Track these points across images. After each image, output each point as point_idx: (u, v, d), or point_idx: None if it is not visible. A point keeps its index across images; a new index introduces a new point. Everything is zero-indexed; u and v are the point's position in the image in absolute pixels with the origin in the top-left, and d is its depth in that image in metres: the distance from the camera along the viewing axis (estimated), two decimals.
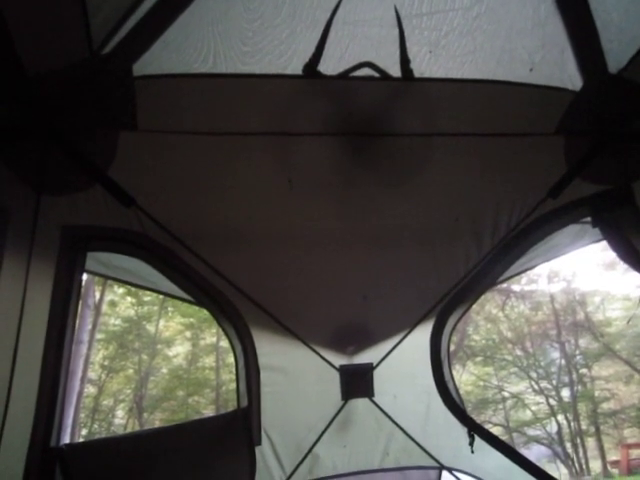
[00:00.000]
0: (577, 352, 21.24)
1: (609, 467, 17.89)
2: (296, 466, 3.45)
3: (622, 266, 18.21)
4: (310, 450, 3.46)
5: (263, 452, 3.24)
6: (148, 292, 17.02)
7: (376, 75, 2.45)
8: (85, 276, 2.79)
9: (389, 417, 3.53)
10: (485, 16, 2.31)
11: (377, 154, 2.81)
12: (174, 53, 2.28)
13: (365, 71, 2.43)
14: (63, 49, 2.03)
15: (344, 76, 2.43)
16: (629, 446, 16.62)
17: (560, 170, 2.87)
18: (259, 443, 3.16)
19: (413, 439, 3.63)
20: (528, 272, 19.43)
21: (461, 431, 3.35)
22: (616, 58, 2.46)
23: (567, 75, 2.56)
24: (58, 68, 2.07)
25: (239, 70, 2.37)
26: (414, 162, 2.85)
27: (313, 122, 2.63)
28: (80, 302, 2.59)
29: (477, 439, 3.22)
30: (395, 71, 2.44)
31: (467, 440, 3.21)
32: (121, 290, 17.67)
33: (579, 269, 24.39)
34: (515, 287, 21.32)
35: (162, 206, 2.66)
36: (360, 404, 3.48)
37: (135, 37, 2.13)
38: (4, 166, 2.19)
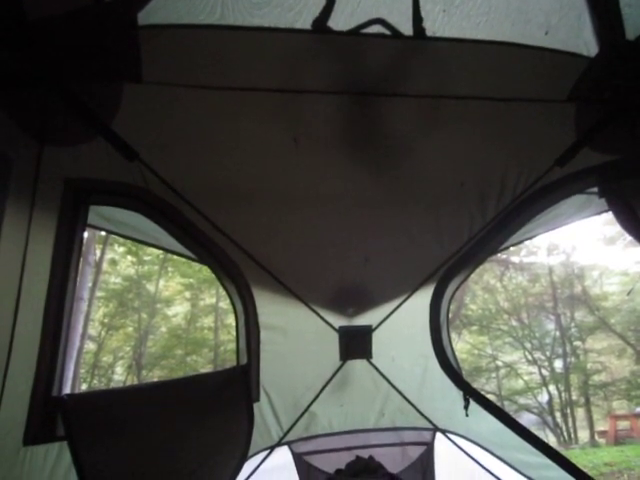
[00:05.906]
0: (572, 325, 21.46)
1: (597, 437, 18.27)
2: (293, 423, 3.53)
3: (622, 241, 18.26)
4: (307, 408, 3.53)
5: (261, 408, 3.30)
6: (149, 251, 17.11)
7: (387, 33, 2.38)
8: (86, 233, 2.77)
9: (386, 379, 3.59)
10: None
11: (384, 115, 2.76)
12: (180, 2, 2.20)
13: (376, 28, 2.36)
14: None
15: (354, 32, 2.36)
16: (617, 417, 16.91)
17: (569, 138, 2.83)
18: (257, 399, 3.22)
19: (409, 401, 3.70)
20: (527, 244, 19.55)
21: (456, 395, 3.40)
22: (634, 24, 2.38)
23: (583, 40, 2.49)
24: (60, 14, 2.00)
25: (247, 23, 2.29)
26: (422, 124, 2.80)
27: (321, 79, 2.57)
28: (81, 259, 2.59)
29: (471, 403, 3.27)
30: (407, 29, 2.37)
31: (462, 404, 3.25)
32: (122, 249, 17.71)
33: (579, 242, 24.40)
34: (514, 258, 21.42)
35: (165, 161, 2.63)
36: (358, 365, 3.53)
37: None
38: (6, 116, 2.15)
